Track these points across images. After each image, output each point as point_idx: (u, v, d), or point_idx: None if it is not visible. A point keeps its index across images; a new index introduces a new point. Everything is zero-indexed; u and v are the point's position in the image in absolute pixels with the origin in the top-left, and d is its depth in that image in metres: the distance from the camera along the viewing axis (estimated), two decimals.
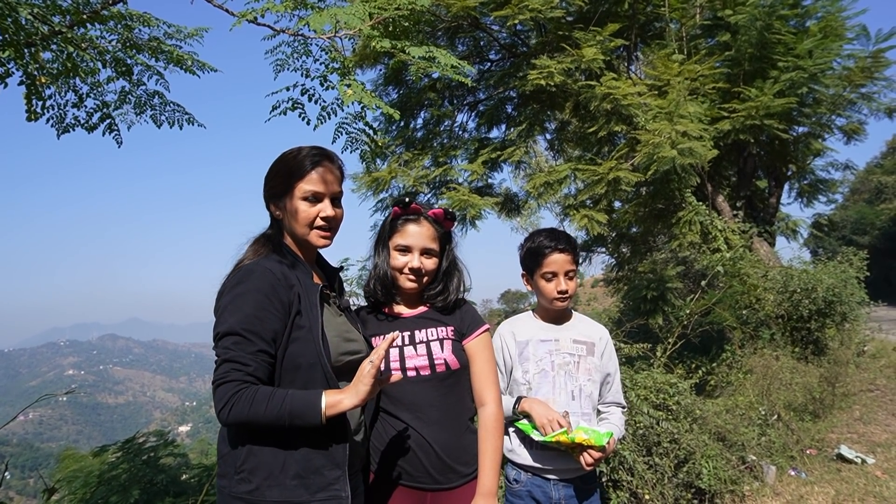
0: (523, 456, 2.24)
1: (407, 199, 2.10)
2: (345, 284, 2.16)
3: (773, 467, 4.78)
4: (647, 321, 9.71)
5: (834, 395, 6.75)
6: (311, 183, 1.74)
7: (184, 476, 5.14)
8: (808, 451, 5.35)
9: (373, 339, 2.07)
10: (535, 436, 2.13)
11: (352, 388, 1.60)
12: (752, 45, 8.68)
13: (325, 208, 1.76)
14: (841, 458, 5.21)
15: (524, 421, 2.21)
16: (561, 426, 2.11)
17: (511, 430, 2.30)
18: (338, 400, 1.57)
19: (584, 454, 2.12)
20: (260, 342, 1.59)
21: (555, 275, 2.26)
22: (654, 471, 3.93)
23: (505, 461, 2.28)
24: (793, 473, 4.91)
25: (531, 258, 2.32)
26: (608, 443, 2.12)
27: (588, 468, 2.14)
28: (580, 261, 2.53)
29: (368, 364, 1.59)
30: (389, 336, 1.69)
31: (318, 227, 1.78)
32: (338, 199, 1.82)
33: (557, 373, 2.27)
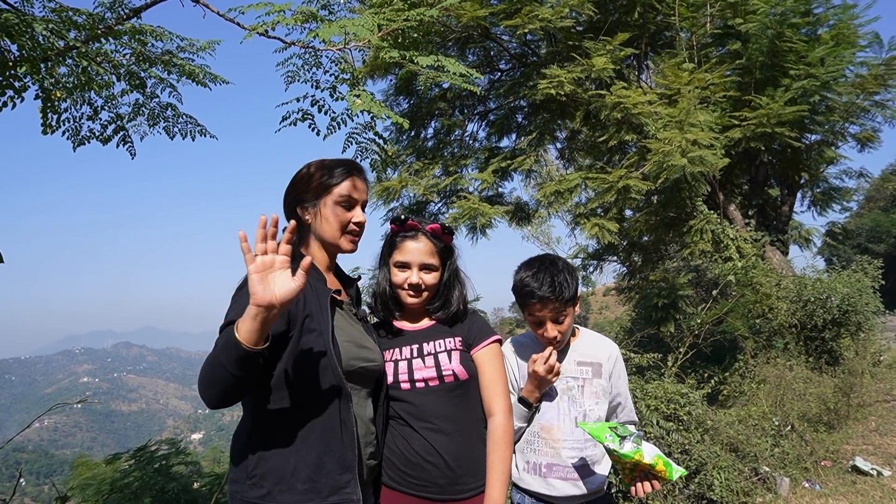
0: (530, 483, 2.15)
1: (403, 217, 2.12)
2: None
3: (786, 479, 4.72)
4: (658, 330, 9.66)
5: (849, 405, 6.66)
6: (346, 189, 1.82)
7: (195, 484, 5.16)
8: (822, 463, 5.28)
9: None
10: (609, 443, 1.98)
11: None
12: (763, 53, 8.65)
13: (358, 214, 1.85)
14: (856, 470, 5.14)
15: (591, 425, 2.06)
16: (552, 357, 2.04)
17: (514, 455, 2.19)
18: (244, 316, 1.46)
19: (644, 483, 2.01)
20: None
21: (541, 322, 2.10)
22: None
23: (512, 486, 2.21)
24: (807, 485, 4.84)
25: (516, 297, 2.15)
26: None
27: (636, 496, 2.04)
28: (583, 280, 2.35)
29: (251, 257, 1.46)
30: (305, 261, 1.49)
31: (349, 232, 1.85)
32: (364, 208, 1.90)
33: (561, 398, 2.16)
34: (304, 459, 1.63)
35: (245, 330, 1.44)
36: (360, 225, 1.86)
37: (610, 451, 2.00)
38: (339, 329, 1.77)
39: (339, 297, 1.87)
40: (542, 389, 2.11)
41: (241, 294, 1.66)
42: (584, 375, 2.17)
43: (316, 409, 1.66)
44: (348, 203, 1.83)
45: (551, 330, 2.09)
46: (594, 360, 2.20)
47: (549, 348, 2.07)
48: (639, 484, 2.02)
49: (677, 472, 2.01)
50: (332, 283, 1.91)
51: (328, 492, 1.64)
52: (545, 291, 2.04)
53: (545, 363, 2.03)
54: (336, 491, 1.65)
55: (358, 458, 1.71)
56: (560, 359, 2.18)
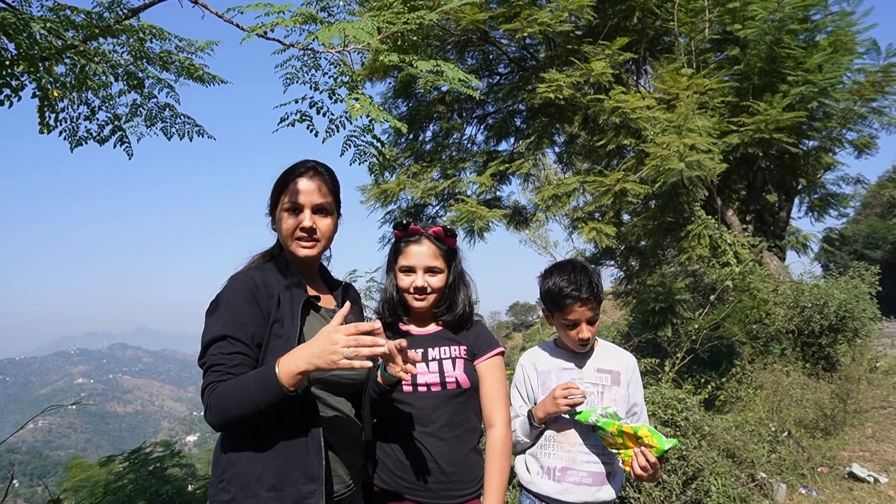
0: (543, 487, 2.13)
1: (405, 222, 2.14)
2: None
3: (783, 485, 4.71)
4: (655, 335, 9.66)
5: (846, 412, 6.65)
6: (290, 194, 1.80)
7: (190, 487, 5.13)
8: (819, 469, 5.27)
9: None
10: (595, 419, 2.01)
11: (307, 350, 1.53)
12: (761, 59, 8.68)
13: (304, 219, 1.80)
14: (853, 476, 5.13)
15: (578, 409, 2.07)
16: (576, 391, 2.04)
17: (522, 458, 2.22)
18: (292, 364, 1.51)
19: (639, 456, 1.94)
20: (239, 344, 1.62)
21: (576, 323, 2.14)
22: (662, 488, 3.89)
23: (521, 490, 2.23)
24: (803, 492, 4.83)
25: (550, 301, 2.18)
26: (666, 452, 1.94)
27: (637, 476, 1.97)
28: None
29: (337, 331, 1.50)
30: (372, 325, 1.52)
31: (298, 238, 1.81)
32: (323, 210, 1.84)
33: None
34: (270, 467, 1.62)
35: (293, 379, 1.51)
36: (308, 230, 1.80)
37: (597, 431, 2.03)
38: (312, 333, 1.73)
39: (317, 303, 1.85)
40: (548, 413, 2.10)
41: (223, 305, 1.67)
42: (603, 382, 2.19)
43: (281, 417, 1.63)
44: (294, 208, 1.80)
45: (586, 331, 2.13)
46: (613, 368, 2.22)
47: (580, 390, 2.07)
48: (634, 459, 1.95)
49: (668, 442, 1.93)
50: (317, 288, 1.91)
51: (292, 501, 1.62)
52: (585, 292, 2.10)
53: (564, 390, 2.04)
54: (300, 501, 1.62)
55: (326, 467, 1.68)
56: (582, 364, 2.21)
